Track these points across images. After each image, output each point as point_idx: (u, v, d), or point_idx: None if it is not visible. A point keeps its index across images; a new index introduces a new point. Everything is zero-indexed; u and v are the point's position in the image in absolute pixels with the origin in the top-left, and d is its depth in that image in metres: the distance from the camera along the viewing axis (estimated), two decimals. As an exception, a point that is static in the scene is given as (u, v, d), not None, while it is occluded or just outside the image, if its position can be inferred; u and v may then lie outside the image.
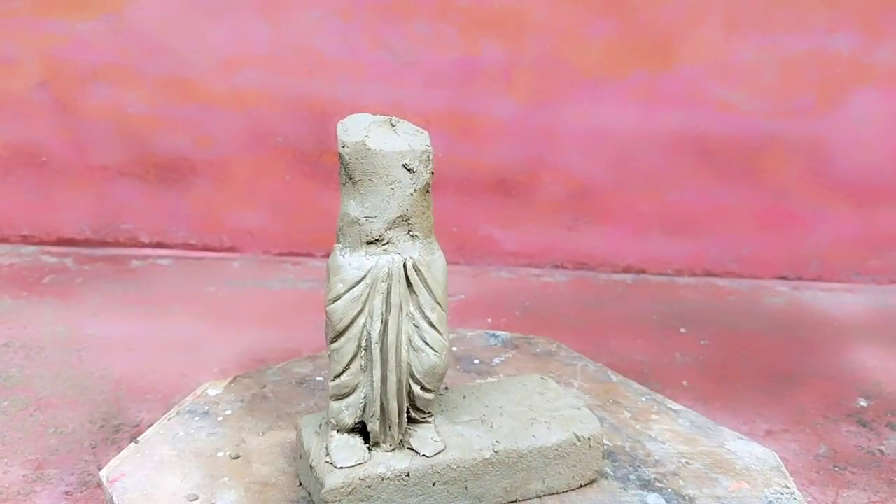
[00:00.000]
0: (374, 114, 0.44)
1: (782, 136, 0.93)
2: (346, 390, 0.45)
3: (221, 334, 0.76)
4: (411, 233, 0.44)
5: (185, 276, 0.91)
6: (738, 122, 0.93)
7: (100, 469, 0.51)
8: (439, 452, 0.46)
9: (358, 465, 0.45)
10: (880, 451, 0.61)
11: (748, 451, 0.52)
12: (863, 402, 0.69)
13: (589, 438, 0.48)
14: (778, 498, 0.47)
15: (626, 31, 0.90)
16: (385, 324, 0.44)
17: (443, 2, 0.89)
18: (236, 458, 0.51)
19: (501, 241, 0.98)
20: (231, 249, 0.98)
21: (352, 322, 0.43)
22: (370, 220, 0.42)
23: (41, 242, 0.97)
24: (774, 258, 0.98)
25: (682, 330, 0.82)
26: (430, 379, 0.46)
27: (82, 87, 0.91)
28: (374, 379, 0.45)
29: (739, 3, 0.89)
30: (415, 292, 0.44)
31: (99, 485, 0.51)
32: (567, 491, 0.48)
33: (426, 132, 0.44)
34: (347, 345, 0.44)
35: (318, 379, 0.64)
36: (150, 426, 0.57)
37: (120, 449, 0.56)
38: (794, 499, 0.47)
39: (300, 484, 0.49)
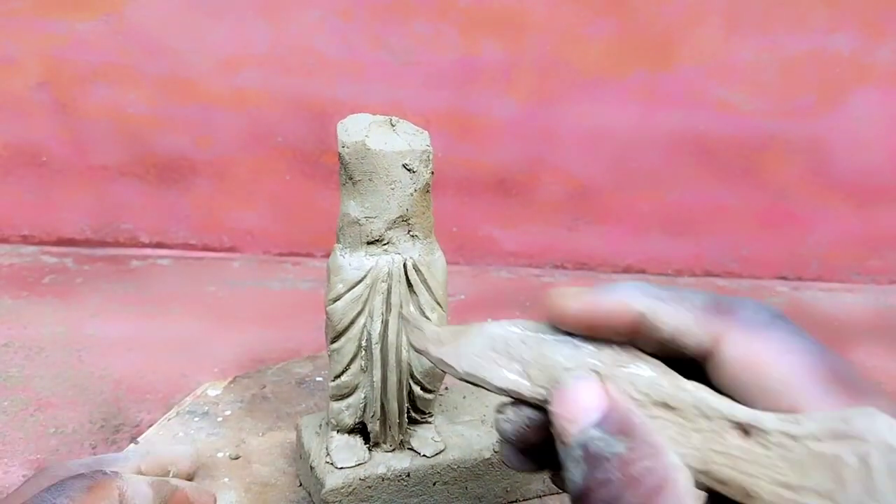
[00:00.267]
0: (374, 114, 0.44)
1: (782, 136, 0.93)
2: (346, 390, 0.45)
3: (221, 334, 0.76)
4: (411, 233, 0.44)
5: (185, 276, 0.90)
6: (739, 122, 0.93)
7: (100, 469, 0.51)
8: (440, 453, 0.46)
9: (358, 465, 0.45)
10: (880, 451, 0.61)
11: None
12: (863, 403, 0.69)
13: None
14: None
15: (626, 31, 0.90)
16: (385, 324, 0.44)
17: (443, 2, 0.89)
18: (236, 458, 0.52)
19: (501, 241, 0.98)
20: (231, 249, 0.98)
21: (352, 322, 0.43)
22: (370, 220, 0.42)
23: (41, 242, 0.97)
24: (774, 258, 0.98)
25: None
26: (430, 379, 0.46)
27: (82, 87, 0.91)
28: (375, 379, 0.45)
29: (739, 3, 0.89)
30: (415, 292, 0.44)
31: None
32: (567, 491, 0.48)
33: (426, 132, 0.44)
34: (348, 345, 0.44)
35: (318, 379, 0.64)
36: (150, 426, 0.57)
37: (120, 449, 0.56)
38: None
39: (300, 484, 0.49)
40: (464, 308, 0.85)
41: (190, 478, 0.46)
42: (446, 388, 0.53)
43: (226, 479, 0.49)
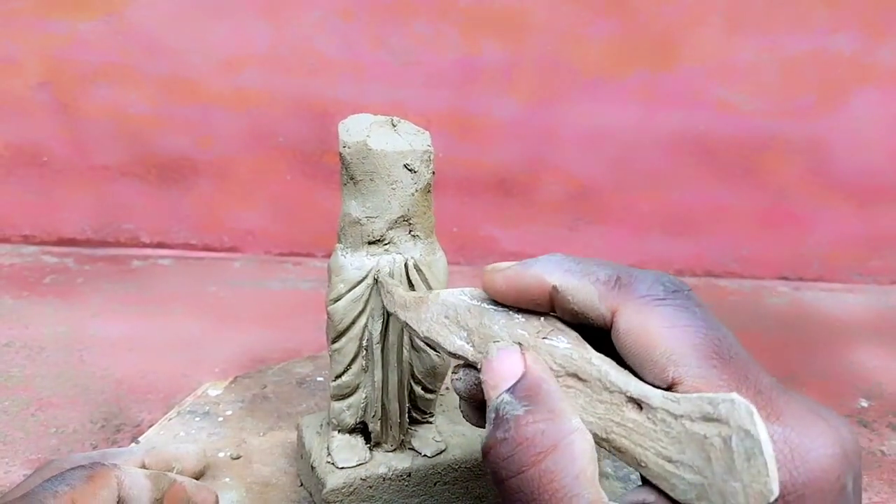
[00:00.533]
0: (375, 114, 0.44)
1: (783, 136, 0.93)
2: (347, 390, 0.45)
3: (222, 334, 0.76)
4: (412, 233, 0.44)
5: (186, 276, 0.91)
6: (739, 122, 0.93)
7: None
8: (441, 453, 0.46)
9: (359, 465, 0.45)
10: (881, 451, 0.61)
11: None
12: (864, 403, 0.69)
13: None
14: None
15: (626, 31, 0.90)
16: (386, 324, 0.44)
17: (443, 2, 0.89)
18: (237, 458, 0.52)
19: (502, 242, 0.98)
20: (232, 249, 0.98)
21: (353, 322, 0.43)
22: (371, 220, 0.42)
23: (42, 242, 0.97)
24: (775, 258, 0.98)
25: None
26: (431, 379, 0.46)
27: (83, 87, 0.91)
28: (376, 379, 0.45)
29: (740, 3, 0.89)
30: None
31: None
32: (568, 491, 0.48)
33: (427, 132, 0.44)
34: (349, 345, 0.44)
35: (319, 379, 0.64)
36: (150, 426, 0.57)
37: (121, 449, 0.56)
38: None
39: (301, 484, 0.49)
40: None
41: (197, 477, 0.46)
42: (447, 388, 0.53)
43: (227, 479, 0.49)
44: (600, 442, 0.30)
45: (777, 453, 0.26)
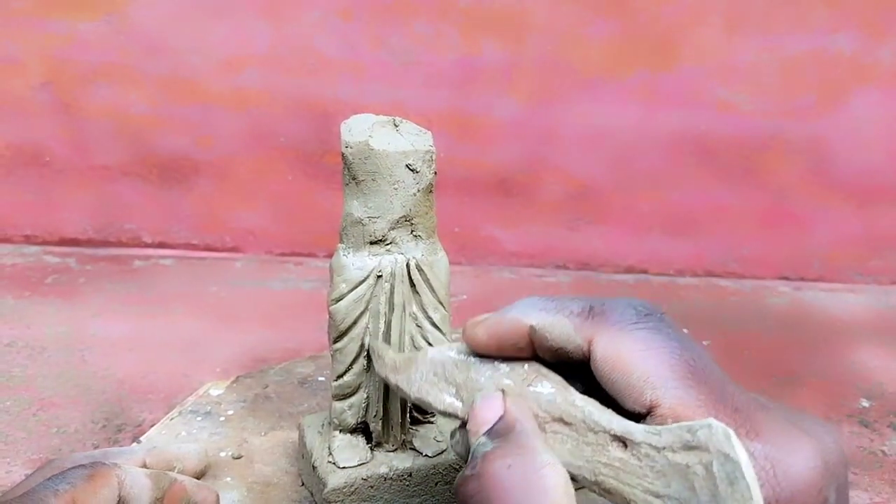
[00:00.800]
0: (376, 114, 0.44)
1: (783, 136, 0.93)
2: (348, 390, 0.45)
3: (223, 334, 0.76)
4: (414, 233, 0.44)
5: (188, 276, 0.91)
6: (739, 122, 0.93)
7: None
8: (442, 453, 0.46)
9: (360, 464, 0.45)
10: (882, 451, 0.61)
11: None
12: (865, 403, 0.69)
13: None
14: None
15: (626, 31, 0.90)
16: (388, 324, 0.44)
17: (443, 2, 0.89)
18: (238, 458, 0.52)
19: (503, 242, 0.98)
20: (233, 249, 0.98)
21: (355, 322, 0.43)
22: (373, 220, 0.43)
23: (44, 242, 0.97)
24: (776, 258, 0.98)
25: (684, 330, 0.82)
26: (432, 379, 0.46)
27: (84, 88, 0.91)
28: (377, 379, 0.45)
29: (740, 3, 0.89)
30: (417, 292, 0.44)
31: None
32: (569, 491, 0.48)
33: (429, 132, 0.44)
34: (350, 345, 0.44)
35: (320, 379, 0.64)
36: (152, 426, 0.57)
37: (122, 449, 0.56)
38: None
39: (302, 484, 0.49)
40: (466, 308, 0.85)
41: (198, 476, 0.46)
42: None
43: (228, 479, 0.49)
44: (590, 486, 0.30)
45: (759, 471, 0.26)
